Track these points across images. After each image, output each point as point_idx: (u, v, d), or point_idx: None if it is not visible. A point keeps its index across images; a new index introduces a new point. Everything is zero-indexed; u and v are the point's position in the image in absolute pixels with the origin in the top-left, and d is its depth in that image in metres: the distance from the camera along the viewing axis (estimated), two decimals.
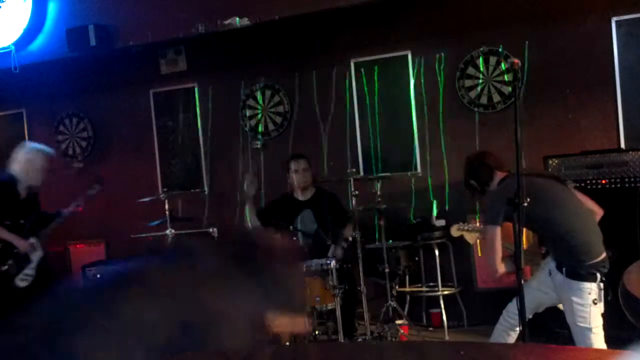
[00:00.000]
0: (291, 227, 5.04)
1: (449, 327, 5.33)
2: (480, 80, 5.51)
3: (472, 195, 3.90)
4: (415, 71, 5.73)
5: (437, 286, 5.45)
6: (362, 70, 5.91)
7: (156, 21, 5.70)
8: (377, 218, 5.43)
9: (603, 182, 4.47)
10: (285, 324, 1.85)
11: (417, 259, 5.56)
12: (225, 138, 6.46)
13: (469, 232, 4.11)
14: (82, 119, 6.99)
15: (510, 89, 5.30)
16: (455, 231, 4.15)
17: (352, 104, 5.96)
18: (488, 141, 5.34)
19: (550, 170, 4.61)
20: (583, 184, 4.45)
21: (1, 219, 4.85)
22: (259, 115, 6.31)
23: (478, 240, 4.36)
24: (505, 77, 5.42)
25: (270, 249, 1.92)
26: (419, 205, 5.74)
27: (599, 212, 3.69)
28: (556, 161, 4.65)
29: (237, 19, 5.33)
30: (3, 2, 6.23)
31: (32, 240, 4.94)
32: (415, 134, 5.76)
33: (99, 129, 6.96)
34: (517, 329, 3.66)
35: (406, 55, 5.75)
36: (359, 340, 4.85)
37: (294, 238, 4.97)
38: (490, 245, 3.59)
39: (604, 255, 3.44)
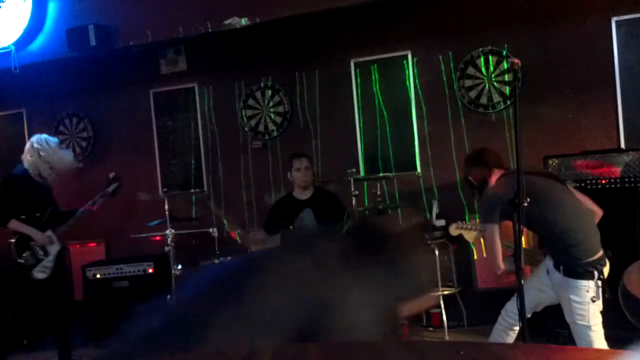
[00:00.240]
0: (291, 227, 5.04)
1: (449, 327, 5.34)
2: (480, 80, 5.51)
3: (472, 192, 3.92)
4: (415, 71, 5.73)
5: (437, 286, 5.45)
6: (362, 70, 5.91)
7: (156, 21, 5.69)
8: None
9: (603, 182, 4.47)
10: (417, 305, 1.86)
11: None
12: (225, 138, 6.45)
13: (467, 231, 4.12)
14: (82, 119, 6.98)
15: (510, 89, 5.31)
16: (454, 230, 4.16)
17: (352, 104, 5.96)
18: (488, 141, 5.29)
19: (550, 170, 4.61)
20: (583, 184, 4.45)
21: (17, 213, 4.89)
22: (259, 115, 6.31)
23: (482, 239, 4.36)
24: (506, 77, 5.42)
25: (398, 235, 1.92)
26: (418, 205, 5.74)
27: (598, 213, 3.69)
28: (556, 161, 4.65)
29: (237, 18, 5.33)
30: (3, 2, 6.23)
31: (49, 232, 4.98)
32: (415, 134, 5.76)
33: (99, 129, 6.95)
34: (516, 328, 3.67)
35: (406, 55, 5.75)
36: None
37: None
38: (490, 243, 3.61)
39: (601, 253, 3.45)
